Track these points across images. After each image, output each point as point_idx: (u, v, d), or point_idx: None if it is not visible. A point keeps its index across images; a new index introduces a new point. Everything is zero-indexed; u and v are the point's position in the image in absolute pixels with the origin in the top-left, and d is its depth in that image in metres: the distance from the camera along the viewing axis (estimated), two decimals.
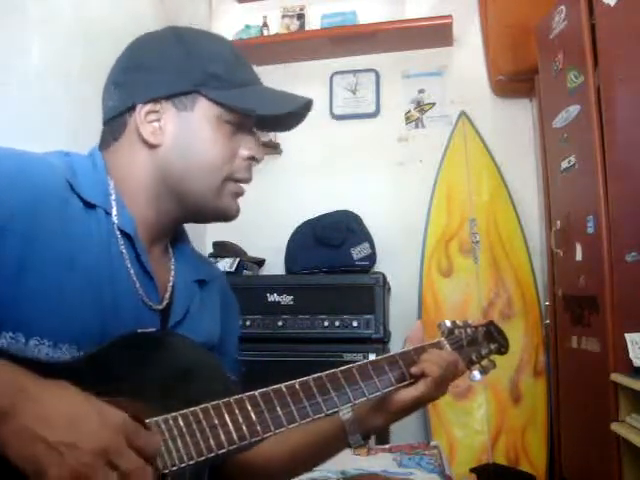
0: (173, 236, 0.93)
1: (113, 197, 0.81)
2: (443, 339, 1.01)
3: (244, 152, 0.87)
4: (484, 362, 1.04)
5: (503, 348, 1.09)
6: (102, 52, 1.98)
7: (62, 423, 0.56)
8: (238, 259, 2.53)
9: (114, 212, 0.80)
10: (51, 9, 1.75)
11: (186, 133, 0.83)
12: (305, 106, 0.89)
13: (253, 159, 0.88)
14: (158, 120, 0.83)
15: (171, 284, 0.88)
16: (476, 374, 1.02)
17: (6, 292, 0.67)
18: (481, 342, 1.06)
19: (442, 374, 0.90)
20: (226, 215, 0.89)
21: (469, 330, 1.05)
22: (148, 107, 0.82)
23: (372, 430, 0.93)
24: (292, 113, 0.88)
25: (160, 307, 0.84)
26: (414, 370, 0.90)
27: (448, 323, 1.04)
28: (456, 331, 1.03)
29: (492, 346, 1.07)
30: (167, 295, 0.86)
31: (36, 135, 1.64)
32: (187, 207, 0.86)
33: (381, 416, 0.92)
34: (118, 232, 0.79)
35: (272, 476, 0.98)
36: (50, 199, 0.72)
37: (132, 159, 0.84)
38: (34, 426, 0.55)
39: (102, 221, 0.78)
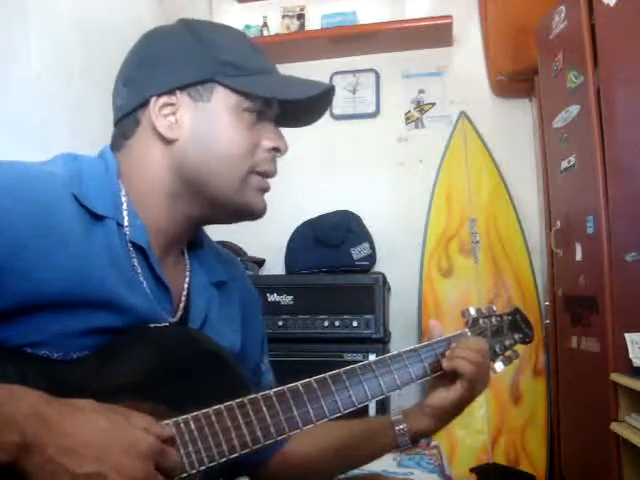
0: (190, 239, 0.88)
1: (125, 206, 0.77)
2: (467, 330, 0.97)
3: (266, 143, 0.82)
4: (507, 352, 1.01)
5: (528, 338, 1.05)
6: (102, 52, 2.00)
7: (88, 454, 0.55)
8: (238, 259, 2.53)
9: (126, 223, 0.76)
10: (51, 10, 1.75)
11: (204, 124, 0.79)
12: (326, 93, 0.83)
13: (277, 150, 0.84)
14: (174, 113, 0.78)
15: (186, 292, 0.84)
16: (499, 365, 0.99)
17: None
18: (506, 332, 1.02)
19: (476, 371, 0.87)
20: (251, 211, 0.83)
21: (494, 320, 1.01)
22: (163, 100, 0.78)
23: (419, 434, 0.92)
24: (312, 105, 0.84)
25: (174, 320, 0.80)
26: (446, 365, 0.87)
27: (473, 311, 1.00)
28: (481, 321, 0.99)
29: (516, 336, 1.03)
30: (182, 305, 0.83)
31: (36, 135, 1.65)
32: (207, 205, 0.81)
33: (426, 420, 0.90)
34: (130, 245, 0.75)
35: (315, 474, 0.97)
36: (50, 215, 0.68)
37: (146, 157, 0.80)
38: (59, 458, 0.54)
39: (113, 233, 0.74)
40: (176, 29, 0.84)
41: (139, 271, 0.76)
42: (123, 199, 0.77)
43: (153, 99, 0.78)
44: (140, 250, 0.77)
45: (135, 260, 0.76)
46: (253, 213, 0.84)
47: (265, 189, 0.84)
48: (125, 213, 0.76)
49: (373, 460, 0.98)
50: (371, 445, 0.94)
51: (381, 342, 2.24)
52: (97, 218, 0.73)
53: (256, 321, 1.00)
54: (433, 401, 0.89)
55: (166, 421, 0.64)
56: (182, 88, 0.79)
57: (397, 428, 0.90)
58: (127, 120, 0.81)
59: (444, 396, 0.88)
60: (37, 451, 0.54)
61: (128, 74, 0.82)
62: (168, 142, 0.79)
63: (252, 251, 2.68)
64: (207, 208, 0.82)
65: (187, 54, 0.79)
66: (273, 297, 2.29)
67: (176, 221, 0.81)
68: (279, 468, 0.94)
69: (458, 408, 0.89)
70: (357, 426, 0.93)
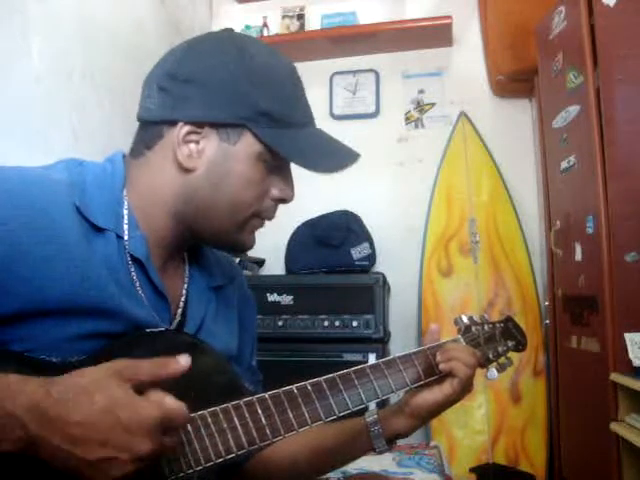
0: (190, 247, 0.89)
1: (126, 220, 0.77)
2: (460, 336, 0.98)
3: (275, 193, 0.83)
4: (501, 360, 1.01)
5: (521, 345, 1.06)
6: (102, 53, 2.00)
7: (94, 440, 0.55)
8: (238, 259, 2.53)
9: (126, 236, 0.76)
10: (52, 10, 1.75)
11: (223, 165, 0.79)
12: (352, 162, 0.84)
13: (283, 201, 0.85)
14: (197, 143, 0.78)
15: (184, 299, 0.85)
16: (493, 372, 0.99)
17: None
18: (498, 339, 1.03)
19: (470, 374, 0.87)
20: (241, 248, 0.86)
21: (486, 327, 1.02)
22: (189, 128, 0.77)
23: (396, 434, 0.91)
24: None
25: (171, 327, 0.81)
26: (443, 366, 0.87)
27: (465, 319, 1.00)
28: (473, 328, 1.00)
29: (509, 343, 1.04)
30: (179, 312, 0.84)
31: (36, 135, 1.65)
32: (203, 236, 0.83)
33: (404, 420, 0.89)
34: (129, 256, 0.76)
35: (296, 476, 0.97)
36: (51, 223, 0.69)
37: (159, 176, 0.80)
38: (68, 448, 0.55)
39: (112, 245, 0.75)
40: (226, 50, 0.80)
41: (137, 283, 0.77)
42: (125, 211, 0.78)
43: (181, 124, 0.77)
44: (139, 262, 0.77)
45: (133, 272, 0.77)
46: (242, 250, 0.87)
47: (259, 228, 0.86)
48: (125, 225, 0.77)
49: (351, 462, 0.98)
50: (347, 447, 0.93)
51: (381, 342, 2.23)
52: (97, 229, 0.74)
53: (250, 322, 1.01)
54: (417, 401, 0.88)
55: None
56: (212, 125, 0.78)
57: (372, 430, 0.90)
58: (152, 128, 0.80)
59: (431, 397, 0.87)
60: (43, 443, 0.55)
61: (164, 81, 0.79)
62: (184, 170, 0.79)
63: (252, 251, 2.67)
64: (202, 237, 0.84)
65: (228, 90, 0.77)
66: (273, 297, 2.30)
67: (176, 236, 0.83)
68: (256, 471, 0.95)
69: (441, 409, 0.89)
70: (333, 428, 0.92)
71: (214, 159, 0.79)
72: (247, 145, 0.79)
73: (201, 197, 0.79)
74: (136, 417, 0.57)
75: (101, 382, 0.58)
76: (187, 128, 0.78)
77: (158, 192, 0.80)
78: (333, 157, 0.84)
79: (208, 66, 0.78)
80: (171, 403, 0.60)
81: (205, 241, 0.86)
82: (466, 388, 0.88)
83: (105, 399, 0.57)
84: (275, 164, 0.81)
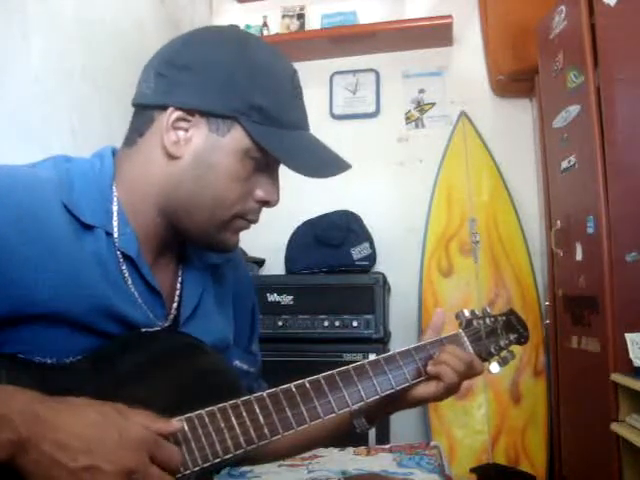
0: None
1: (115, 216, 0.76)
2: (461, 331, 0.98)
3: (260, 194, 0.81)
4: (503, 353, 1.02)
5: (523, 339, 1.06)
6: (102, 52, 2.00)
7: (81, 447, 0.56)
8: None
9: (115, 232, 0.75)
10: (52, 10, 1.75)
11: (209, 156, 0.76)
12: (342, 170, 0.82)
13: (267, 204, 0.83)
14: (186, 130, 0.76)
15: (178, 293, 0.84)
16: (495, 366, 1.00)
17: None
18: (500, 333, 1.02)
19: (457, 381, 0.88)
20: (221, 248, 0.84)
21: (488, 320, 1.02)
22: (179, 114, 0.76)
23: (376, 416, 0.93)
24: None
25: (166, 324, 0.81)
26: (430, 369, 0.88)
27: (467, 313, 1.01)
28: (475, 322, 1.00)
29: (512, 337, 1.04)
30: (174, 306, 0.83)
31: (36, 135, 1.65)
32: (187, 234, 0.81)
33: (386, 406, 0.91)
34: (119, 253, 0.75)
35: (279, 455, 1.02)
36: (38, 222, 0.68)
37: (147, 164, 0.78)
38: (53, 453, 0.55)
39: (102, 242, 0.74)
40: (228, 43, 0.79)
41: (129, 280, 0.76)
42: (114, 208, 0.77)
43: (171, 109, 0.76)
44: (130, 259, 0.76)
45: (125, 269, 0.76)
46: (222, 250, 0.84)
47: (243, 229, 0.84)
48: (115, 222, 0.76)
49: (331, 440, 1.00)
50: (331, 429, 0.94)
51: (381, 342, 2.24)
52: (86, 227, 0.73)
53: (246, 304, 1.00)
54: (408, 393, 0.89)
55: None
56: (203, 113, 0.76)
57: (353, 411, 0.90)
58: (145, 114, 0.79)
59: (421, 390, 0.89)
60: (32, 447, 0.54)
61: (161, 67, 0.78)
62: (170, 157, 0.77)
63: (252, 251, 2.68)
64: (185, 234, 0.82)
65: (223, 80, 0.76)
66: (273, 297, 2.30)
67: (166, 232, 0.81)
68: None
69: (420, 404, 0.91)
70: None
71: (201, 149, 0.77)
72: (236, 139, 0.76)
73: (184, 190, 0.77)
74: (125, 433, 0.58)
75: (97, 403, 0.60)
76: (177, 114, 0.76)
77: (146, 183, 0.78)
78: (321, 162, 0.82)
79: (207, 55, 0.77)
80: (160, 426, 0.62)
81: (189, 239, 0.84)
82: (450, 392, 0.89)
83: (97, 414, 0.58)
84: (263, 163, 0.79)
